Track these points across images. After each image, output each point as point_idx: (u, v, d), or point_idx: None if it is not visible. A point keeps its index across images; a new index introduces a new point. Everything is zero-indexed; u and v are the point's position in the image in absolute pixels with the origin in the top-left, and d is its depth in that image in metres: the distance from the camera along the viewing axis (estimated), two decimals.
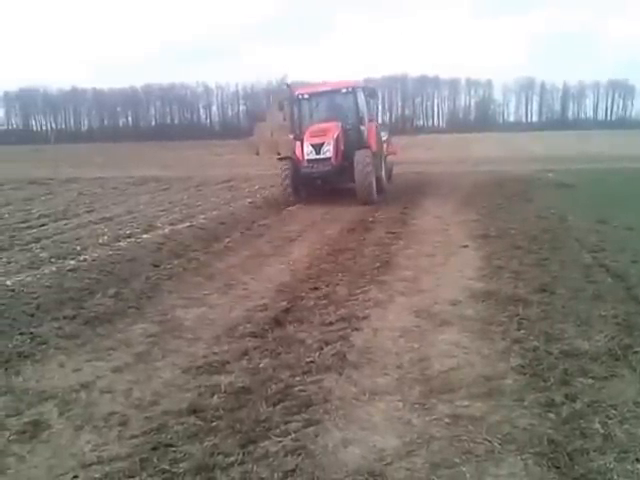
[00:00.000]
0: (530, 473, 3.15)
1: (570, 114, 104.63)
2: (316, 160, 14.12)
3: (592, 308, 5.65)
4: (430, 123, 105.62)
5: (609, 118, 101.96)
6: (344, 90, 14.99)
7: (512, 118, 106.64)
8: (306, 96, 15.38)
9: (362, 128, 14.89)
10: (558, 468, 3.15)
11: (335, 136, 14.14)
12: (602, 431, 3.47)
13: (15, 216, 13.65)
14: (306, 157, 14.32)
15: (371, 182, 13.79)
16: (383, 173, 15.86)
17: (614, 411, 3.70)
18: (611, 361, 4.45)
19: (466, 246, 8.75)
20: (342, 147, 14.37)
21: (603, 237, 8.88)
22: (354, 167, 13.64)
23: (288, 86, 16.08)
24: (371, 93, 16.14)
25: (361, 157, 13.72)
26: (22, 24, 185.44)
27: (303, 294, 6.61)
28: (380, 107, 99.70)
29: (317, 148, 14.10)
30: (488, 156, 30.12)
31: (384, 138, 17.52)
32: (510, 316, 5.50)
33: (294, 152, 15.24)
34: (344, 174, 14.04)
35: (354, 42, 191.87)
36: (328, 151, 13.97)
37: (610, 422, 3.58)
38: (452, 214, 11.96)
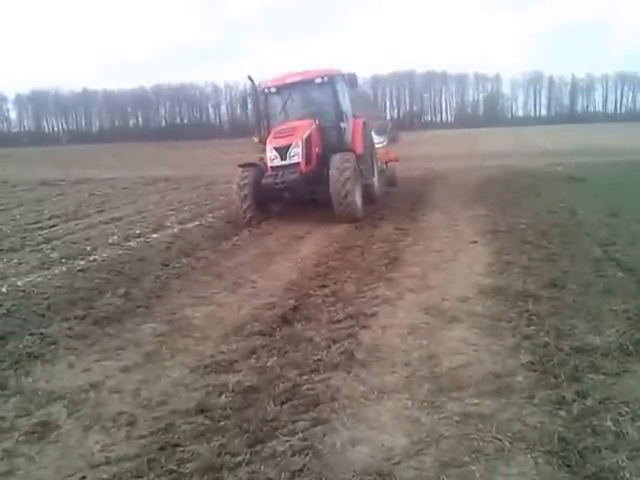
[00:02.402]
0: (541, 472, 3.11)
1: (579, 108, 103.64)
2: (281, 167, 11.28)
3: (603, 303, 5.58)
4: (438, 119, 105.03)
5: (618, 111, 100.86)
6: (319, 80, 12.09)
7: (521, 112, 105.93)
8: (273, 89, 12.57)
9: (342, 125, 12.21)
10: (569, 467, 3.11)
11: (305, 136, 11.40)
12: (614, 429, 3.42)
13: (26, 217, 13.75)
14: (269, 164, 11.52)
15: (350, 193, 10.83)
16: (375, 179, 13.56)
17: (626, 408, 3.65)
18: (622, 357, 4.39)
19: (475, 242, 8.69)
20: (317, 150, 11.82)
21: (614, 231, 8.79)
22: (329, 175, 10.99)
23: (251, 79, 12.83)
24: (352, 81, 13.04)
25: (338, 162, 11.03)
26: (33, 27, 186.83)
27: (311, 292, 6.60)
28: (388, 103, 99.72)
29: (282, 152, 11.30)
30: (497, 151, 29.94)
31: (383, 142, 16.28)
32: (520, 312, 5.45)
33: (261, 158, 12.32)
34: (320, 183, 11.19)
35: (361, 39, 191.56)
36: (296, 155, 11.23)
37: (622, 419, 3.52)
38: (461, 209, 11.89)
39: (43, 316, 6.43)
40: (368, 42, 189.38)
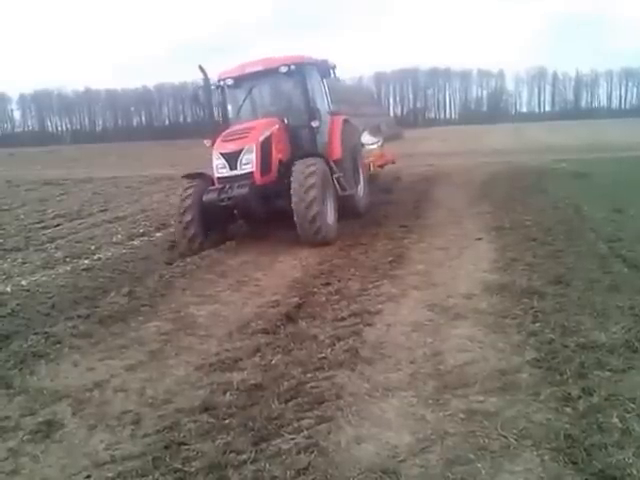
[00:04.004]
0: (547, 469, 3.09)
1: (583, 103, 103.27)
2: (230, 178, 9.12)
3: (608, 299, 5.55)
4: (442, 115, 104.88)
5: (623, 107, 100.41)
6: (284, 69, 9.88)
7: (525, 109, 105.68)
8: (229, 81, 10.41)
9: (314, 125, 10.05)
10: (575, 464, 3.09)
11: (262, 138, 9.24)
12: (620, 425, 3.40)
13: (30, 216, 13.81)
14: (215, 174, 9.39)
15: (318, 212, 8.64)
16: (361, 189, 11.54)
17: (632, 405, 3.62)
18: (628, 353, 4.35)
19: (480, 239, 8.65)
20: (280, 156, 9.68)
21: (619, 227, 8.74)
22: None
23: (202, 69, 10.35)
24: (325, 70, 10.84)
25: (302, 171, 8.86)
26: (36, 27, 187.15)
27: (315, 290, 6.58)
28: (391, 100, 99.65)
29: (232, 159, 9.14)
30: (501, 147, 29.87)
31: (378, 142, 14.79)
32: (525, 309, 5.42)
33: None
34: (285, 198, 8.86)
35: (364, 36, 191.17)
36: (249, 163, 9.06)
37: (628, 416, 3.50)
38: (465, 206, 11.84)
39: (47, 315, 6.47)
40: (371, 40, 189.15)
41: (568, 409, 3.63)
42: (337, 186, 9.87)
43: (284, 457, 3.33)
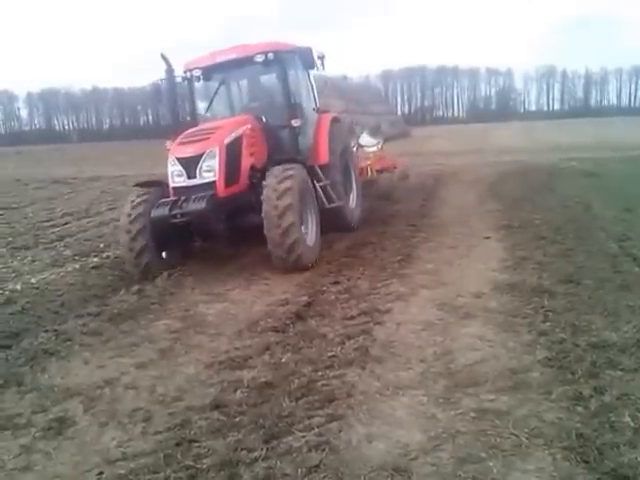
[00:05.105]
0: (558, 468, 3.08)
1: (593, 101, 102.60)
2: (188, 189, 7.55)
3: (619, 298, 5.53)
4: (450, 114, 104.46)
5: (633, 105, 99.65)
6: (259, 57, 8.40)
7: (533, 107, 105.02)
8: (197, 72, 9.00)
9: (295, 124, 8.55)
10: (587, 463, 3.08)
11: (228, 140, 7.73)
12: (632, 424, 3.39)
13: (39, 215, 13.87)
14: (171, 184, 7.80)
15: (293, 239, 7.10)
16: (353, 198, 10.17)
17: None
18: None
19: (489, 237, 8.62)
20: (252, 161, 8.16)
21: (629, 226, 8.69)
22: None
23: (164, 58, 8.94)
24: (308, 60, 8.98)
25: (274, 187, 7.27)
26: (44, 26, 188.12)
27: (324, 288, 6.58)
28: (399, 99, 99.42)
29: (190, 166, 7.57)
30: (509, 146, 29.69)
31: (377, 144, 13.63)
32: (535, 308, 5.40)
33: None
34: (258, 211, 7.27)
35: (372, 35, 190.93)
36: (211, 170, 7.52)
37: None
38: (474, 205, 11.80)
39: (57, 313, 6.50)
40: (378, 38, 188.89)
41: (580, 408, 3.62)
42: (323, 197, 8.54)
43: (295, 455, 3.34)
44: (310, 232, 7.92)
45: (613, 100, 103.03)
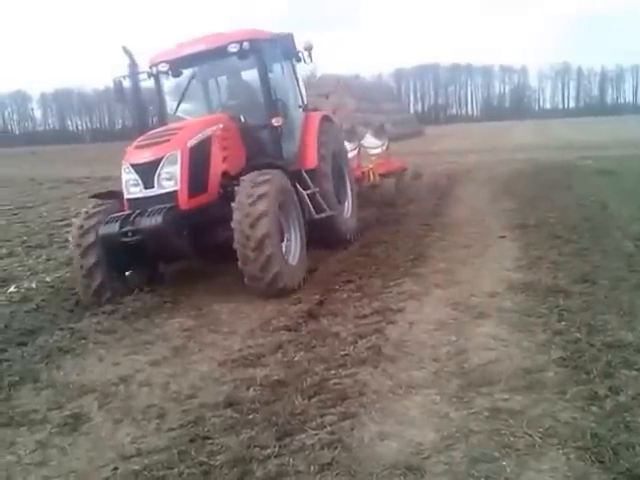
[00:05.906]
0: (573, 468, 3.05)
1: (609, 99, 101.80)
2: (145, 201, 6.52)
3: (635, 298, 5.46)
4: (464, 112, 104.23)
5: None
6: (234, 47, 7.35)
7: (548, 105, 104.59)
8: (163, 67, 7.91)
9: (276, 123, 7.53)
10: (602, 463, 3.05)
11: (192, 143, 6.66)
12: None
13: (53, 214, 14.00)
14: (126, 195, 6.79)
15: (267, 254, 6.08)
16: (348, 207, 9.27)
17: None
18: None
19: (503, 236, 8.55)
20: (225, 167, 7.10)
21: None
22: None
23: (127, 50, 7.89)
24: (289, 50, 7.96)
25: (249, 185, 6.41)
26: (57, 26, 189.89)
27: (336, 287, 6.58)
28: (412, 97, 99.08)
29: (147, 173, 6.53)
30: (524, 144, 29.50)
31: (382, 146, 12.82)
32: (550, 307, 5.35)
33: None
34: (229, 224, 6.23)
35: (385, 33, 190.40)
36: (172, 178, 6.48)
37: None
38: (488, 204, 11.73)
39: (72, 311, 6.56)
40: (391, 36, 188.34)
41: (594, 408, 3.58)
42: (310, 206, 7.58)
43: (308, 452, 3.34)
44: (293, 249, 6.95)
45: (629, 98, 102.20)
